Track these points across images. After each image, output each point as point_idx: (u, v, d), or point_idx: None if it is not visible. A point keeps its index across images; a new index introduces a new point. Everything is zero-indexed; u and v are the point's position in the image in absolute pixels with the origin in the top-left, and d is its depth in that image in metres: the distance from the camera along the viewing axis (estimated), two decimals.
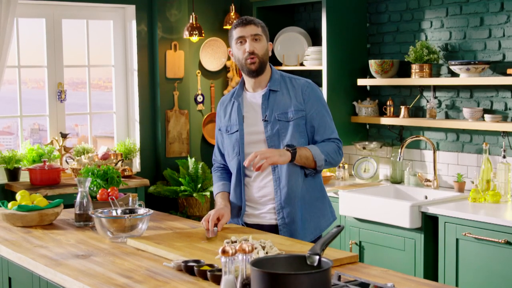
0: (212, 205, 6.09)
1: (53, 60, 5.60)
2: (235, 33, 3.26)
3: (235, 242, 2.83)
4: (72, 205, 3.63)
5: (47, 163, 5.18)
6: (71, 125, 5.96)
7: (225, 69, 6.32)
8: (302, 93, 3.27)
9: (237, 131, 3.30)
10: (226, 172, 3.47)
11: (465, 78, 4.59)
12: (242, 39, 3.23)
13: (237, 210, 3.34)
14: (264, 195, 3.29)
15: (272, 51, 5.83)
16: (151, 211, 3.21)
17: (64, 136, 5.50)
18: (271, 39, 5.89)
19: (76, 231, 3.38)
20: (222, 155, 3.46)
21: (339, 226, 2.64)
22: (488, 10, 4.63)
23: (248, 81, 3.33)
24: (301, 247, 2.84)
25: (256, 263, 2.15)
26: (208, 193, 5.68)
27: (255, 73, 3.25)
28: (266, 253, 2.65)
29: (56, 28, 5.60)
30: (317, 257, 2.24)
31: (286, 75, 3.37)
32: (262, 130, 3.26)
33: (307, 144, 3.27)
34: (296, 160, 3.16)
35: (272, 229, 3.27)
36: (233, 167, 3.34)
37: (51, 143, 5.50)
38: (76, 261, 2.79)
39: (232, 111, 3.35)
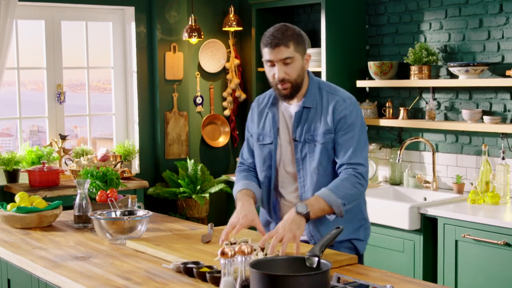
0: (211, 207, 6.10)
1: (52, 61, 5.60)
2: (264, 54, 2.97)
3: (234, 243, 2.83)
4: (71, 207, 3.63)
5: (46, 165, 5.18)
6: (70, 126, 5.96)
7: (224, 70, 6.32)
8: (333, 111, 2.97)
9: (270, 143, 3.07)
10: (254, 175, 3.20)
11: (464, 79, 4.59)
12: (271, 63, 2.95)
13: (264, 224, 3.17)
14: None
15: None
16: (150, 212, 3.21)
17: (63, 137, 5.50)
18: None
19: (75, 233, 3.38)
20: (253, 156, 3.21)
21: (338, 227, 2.64)
22: (487, 11, 4.63)
23: None
24: (303, 249, 2.83)
25: (255, 264, 2.15)
26: (207, 195, 5.68)
27: (287, 98, 3.00)
28: (265, 254, 2.65)
29: (55, 30, 5.60)
30: (316, 258, 2.25)
31: (325, 87, 3.05)
32: (292, 150, 3.03)
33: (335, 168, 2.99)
34: (312, 218, 2.85)
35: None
36: (263, 182, 3.13)
37: (50, 144, 5.50)
38: (75, 262, 2.79)
39: (267, 120, 3.11)
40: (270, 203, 3.13)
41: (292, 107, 3.05)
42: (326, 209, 2.87)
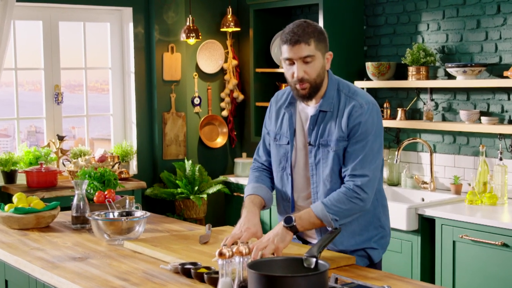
0: (209, 208, 6.10)
1: (50, 62, 5.60)
2: (283, 51, 2.81)
3: (232, 244, 2.83)
4: (69, 208, 3.62)
5: (44, 166, 5.17)
6: (68, 127, 5.96)
7: (222, 71, 6.32)
8: (348, 117, 2.81)
9: (287, 144, 2.97)
10: (267, 175, 3.12)
11: (461, 80, 4.59)
12: (290, 61, 2.80)
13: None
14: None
15: (269, 54, 5.89)
16: (148, 213, 3.21)
17: (61, 138, 5.50)
18: (268, 42, 5.90)
19: (73, 234, 3.37)
20: (268, 154, 3.11)
21: (336, 228, 2.64)
22: (484, 12, 4.64)
23: None
24: (303, 250, 2.83)
25: (253, 265, 2.15)
26: (205, 196, 5.68)
27: (306, 98, 2.86)
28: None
29: (53, 30, 5.60)
30: (314, 259, 2.25)
31: (345, 89, 2.89)
32: (305, 154, 2.92)
33: None
34: (301, 231, 2.78)
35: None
36: (277, 182, 3.04)
37: (48, 145, 5.49)
38: (72, 263, 2.79)
39: (284, 119, 2.99)
40: (285, 206, 3.03)
41: (309, 109, 2.92)
42: (316, 223, 2.78)
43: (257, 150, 3.18)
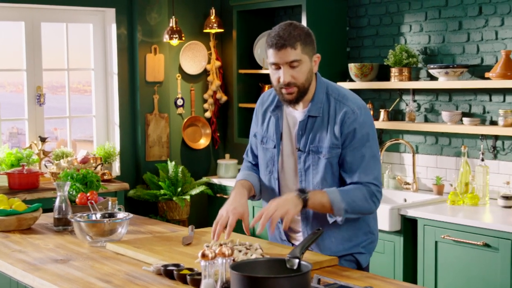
0: (192, 210, 6.09)
1: (32, 63, 5.57)
2: (269, 55, 2.74)
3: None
4: (51, 210, 3.60)
5: (25, 167, 5.14)
6: (50, 129, 5.93)
7: (205, 72, 6.32)
8: (341, 124, 2.76)
9: (273, 148, 2.91)
10: (257, 173, 3.06)
11: (444, 81, 4.62)
12: (276, 65, 2.73)
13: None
14: (295, 229, 2.96)
15: (252, 55, 5.89)
16: (131, 215, 3.20)
17: (43, 140, 5.47)
18: (251, 43, 5.90)
19: (55, 236, 3.36)
20: (255, 157, 3.08)
21: (318, 229, 2.64)
22: (466, 14, 4.67)
23: None
24: (286, 250, 2.83)
25: (236, 266, 2.15)
26: (188, 197, 5.67)
27: (293, 103, 2.79)
28: (246, 253, 2.66)
29: (35, 31, 5.57)
30: (297, 260, 2.25)
31: (334, 93, 2.83)
32: (294, 159, 2.87)
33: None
34: (310, 207, 2.73)
35: None
36: (265, 185, 2.99)
37: (30, 147, 5.47)
38: (54, 265, 2.78)
39: (270, 122, 2.93)
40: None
41: (297, 113, 2.85)
42: (326, 206, 2.72)
43: (246, 150, 3.16)
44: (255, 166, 3.09)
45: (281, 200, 2.70)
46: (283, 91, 2.75)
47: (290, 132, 2.88)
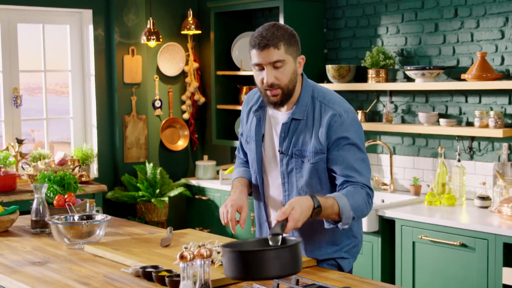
0: (171, 211, 6.08)
1: (8, 65, 5.53)
2: (252, 56, 2.69)
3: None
4: (28, 212, 3.59)
5: (2, 169, 5.10)
6: (27, 130, 5.89)
7: (183, 74, 6.31)
8: (327, 129, 2.68)
9: (255, 149, 2.87)
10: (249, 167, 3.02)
11: (420, 83, 4.65)
12: (259, 66, 2.68)
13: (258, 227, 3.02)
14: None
15: (230, 56, 5.90)
16: (109, 217, 3.19)
17: (20, 141, 5.43)
18: (229, 45, 5.90)
19: (32, 238, 3.34)
20: (245, 154, 3.03)
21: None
22: (442, 16, 4.70)
23: None
24: None
25: (228, 245, 2.23)
26: (166, 199, 5.66)
27: (278, 105, 2.73)
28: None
29: (11, 32, 5.53)
30: (280, 236, 2.29)
31: (320, 96, 2.78)
32: (278, 162, 2.80)
33: (326, 192, 2.73)
34: (314, 218, 2.57)
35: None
36: (252, 183, 2.95)
37: (7, 149, 5.43)
38: (32, 268, 2.76)
39: (252, 123, 2.89)
40: (260, 207, 2.94)
41: (280, 115, 2.80)
42: (334, 217, 2.60)
43: (238, 147, 3.11)
44: (247, 162, 3.05)
45: (302, 211, 2.50)
46: (268, 93, 2.69)
47: (272, 133, 2.84)
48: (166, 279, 2.42)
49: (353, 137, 2.70)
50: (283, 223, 2.42)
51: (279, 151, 2.79)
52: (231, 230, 2.69)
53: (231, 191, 2.88)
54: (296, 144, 2.75)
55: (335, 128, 2.68)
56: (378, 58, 4.86)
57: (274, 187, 2.87)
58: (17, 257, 2.95)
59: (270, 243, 2.29)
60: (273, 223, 2.60)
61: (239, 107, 5.75)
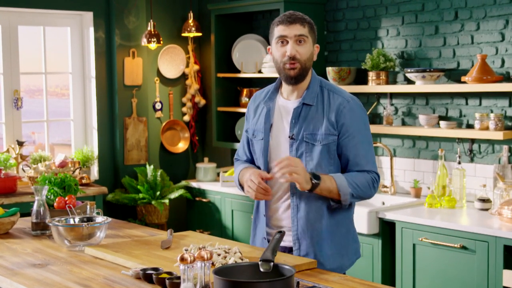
0: (171, 213, 6.08)
1: (9, 67, 5.54)
2: (277, 31, 2.86)
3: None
4: (28, 214, 3.59)
5: (3, 172, 5.11)
6: (27, 132, 5.90)
7: (184, 76, 6.32)
8: (336, 113, 2.85)
9: (262, 139, 2.97)
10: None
11: (420, 85, 4.65)
12: (283, 39, 2.85)
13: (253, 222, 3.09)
14: (281, 223, 2.97)
15: (231, 59, 5.90)
16: (109, 219, 3.19)
17: (20, 144, 5.44)
18: (229, 47, 5.91)
19: (33, 240, 3.34)
20: (245, 155, 3.12)
21: (280, 231, 2.62)
22: (442, 18, 4.71)
23: (284, 86, 2.96)
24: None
25: (219, 271, 2.15)
26: (167, 201, 5.66)
27: (294, 80, 2.87)
28: (224, 257, 2.66)
29: (12, 34, 5.54)
30: (271, 263, 2.25)
31: (328, 86, 2.94)
32: (287, 148, 2.90)
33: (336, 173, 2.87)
34: (316, 192, 2.79)
35: (289, 250, 2.95)
36: None
37: (7, 151, 5.43)
38: (32, 270, 2.77)
39: (261, 115, 3.00)
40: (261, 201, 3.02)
41: (290, 103, 2.93)
42: (334, 192, 2.80)
43: (236, 152, 3.21)
44: (246, 162, 3.12)
45: (302, 166, 2.75)
46: (287, 66, 2.85)
47: (283, 121, 2.94)
48: (167, 281, 2.42)
49: (361, 122, 2.89)
50: (275, 247, 2.41)
51: (289, 136, 2.89)
52: (266, 199, 2.86)
53: (241, 173, 3.01)
54: (307, 128, 2.87)
55: (344, 113, 2.85)
56: (379, 61, 4.87)
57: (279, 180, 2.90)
58: (18, 259, 2.95)
59: (261, 269, 2.26)
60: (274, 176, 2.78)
61: (239, 109, 5.76)
